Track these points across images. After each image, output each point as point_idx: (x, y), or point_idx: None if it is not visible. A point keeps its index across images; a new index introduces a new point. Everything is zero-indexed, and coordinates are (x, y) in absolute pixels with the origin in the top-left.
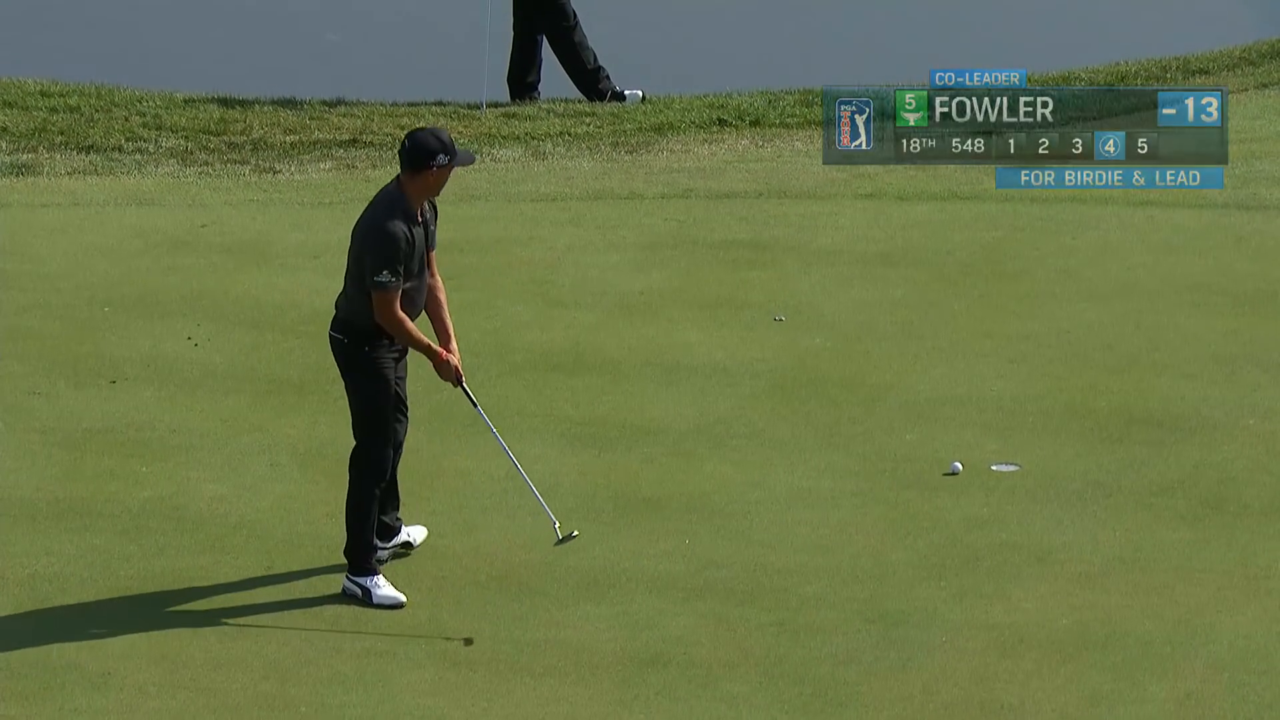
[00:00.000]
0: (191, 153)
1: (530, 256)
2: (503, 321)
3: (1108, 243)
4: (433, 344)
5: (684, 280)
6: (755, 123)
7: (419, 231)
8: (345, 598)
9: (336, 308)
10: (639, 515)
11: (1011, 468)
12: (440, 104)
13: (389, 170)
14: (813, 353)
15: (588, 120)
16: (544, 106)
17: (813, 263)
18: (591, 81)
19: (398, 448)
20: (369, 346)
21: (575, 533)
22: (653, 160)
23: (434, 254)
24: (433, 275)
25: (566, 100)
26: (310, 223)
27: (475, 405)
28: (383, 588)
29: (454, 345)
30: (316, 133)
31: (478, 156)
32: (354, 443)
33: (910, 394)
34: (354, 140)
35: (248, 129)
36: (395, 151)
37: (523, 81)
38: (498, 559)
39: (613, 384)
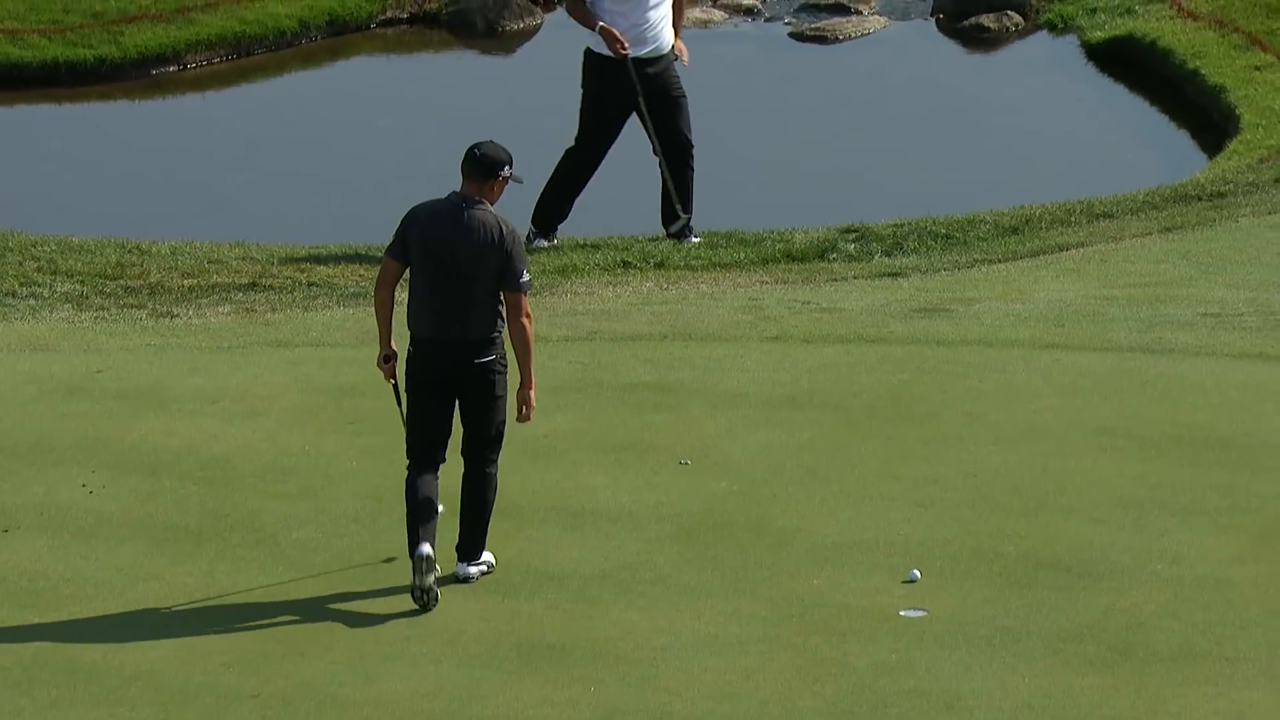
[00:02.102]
0: (87, 297)
1: None
2: (405, 466)
3: (1014, 386)
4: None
5: (589, 424)
6: (660, 265)
7: None
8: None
9: (448, 341)
10: (543, 662)
11: (919, 613)
12: (348, 245)
13: (289, 314)
14: (719, 496)
15: None
16: None
17: (718, 406)
18: (554, 218)
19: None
20: (507, 361)
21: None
22: (557, 303)
23: None
24: None
25: None
26: (209, 367)
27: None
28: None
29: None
30: (215, 276)
31: None
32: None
33: (817, 538)
34: (253, 284)
35: (145, 273)
36: (293, 294)
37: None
38: (399, 708)
39: (516, 529)
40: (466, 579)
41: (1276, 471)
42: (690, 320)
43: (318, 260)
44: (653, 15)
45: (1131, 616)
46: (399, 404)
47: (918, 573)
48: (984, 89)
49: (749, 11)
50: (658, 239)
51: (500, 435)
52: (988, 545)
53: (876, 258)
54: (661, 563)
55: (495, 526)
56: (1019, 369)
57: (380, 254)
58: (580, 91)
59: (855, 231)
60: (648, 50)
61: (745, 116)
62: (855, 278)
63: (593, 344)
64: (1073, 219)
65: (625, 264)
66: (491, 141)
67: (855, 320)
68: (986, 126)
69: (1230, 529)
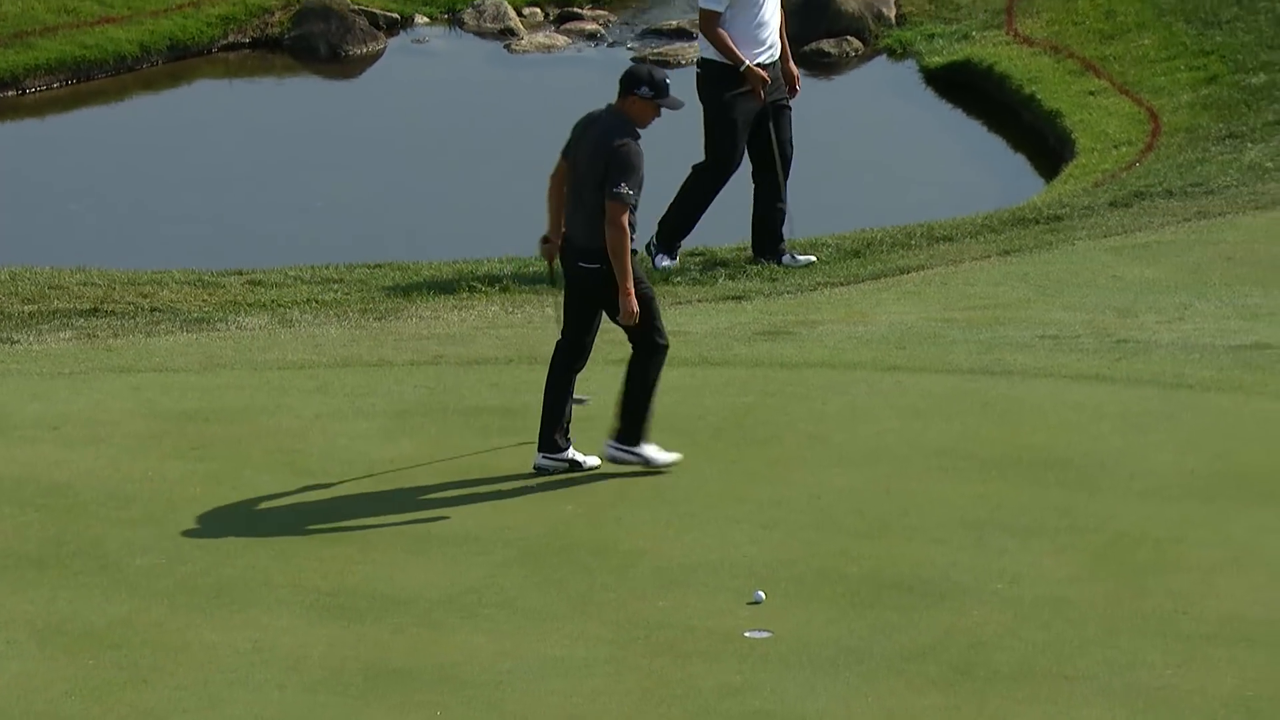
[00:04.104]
0: None
1: (277, 425)
2: (250, 492)
3: (856, 408)
4: (631, 282)
5: (434, 448)
6: (505, 289)
7: None
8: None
9: (567, 247)
10: (389, 687)
11: (764, 634)
12: (190, 270)
13: (131, 339)
14: (564, 519)
15: (335, 287)
16: (290, 274)
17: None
18: (678, 235)
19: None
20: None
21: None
22: (401, 327)
23: None
24: None
25: (313, 266)
26: (49, 393)
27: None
28: (660, 452)
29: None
30: (56, 302)
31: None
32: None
33: (662, 560)
34: (95, 309)
35: None
36: (135, 320)
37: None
38: None
39: (361, 553)
40: (611, 459)
41: (1113, 492)
42: (536, 344)
43: (160, 285)
44: (772, 21)
45: (973, 636)
46: (551, 283)
47: (762, 594)
48: (825, 113)
49: (591, 36)
50: (502, 261)
51: (641, 328)
52: (831, 566)
53: (720, 281)
54: (507, 586)
55: (340, 552)
56: (861, 391)
57: (222, 279)
58: (702, 106)
59: (699, 255)
60: (767, 55)
61: None
62: (700, 301)
63: (438, 368)
64: (913, 242)
65: (470, 288)
66: (648, 63)
67: (700, 343)
68: (828, 151)
69: (1069, 549)
